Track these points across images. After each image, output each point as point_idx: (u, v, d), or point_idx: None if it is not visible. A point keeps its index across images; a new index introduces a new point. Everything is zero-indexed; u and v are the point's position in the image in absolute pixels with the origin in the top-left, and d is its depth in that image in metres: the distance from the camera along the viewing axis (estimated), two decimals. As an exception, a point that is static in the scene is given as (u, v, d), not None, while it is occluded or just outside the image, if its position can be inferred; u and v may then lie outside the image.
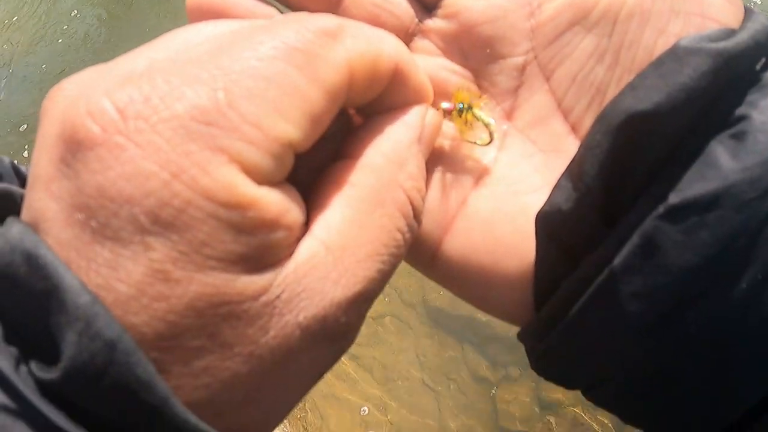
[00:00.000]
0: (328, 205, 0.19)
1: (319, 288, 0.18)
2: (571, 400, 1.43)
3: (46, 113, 0.17)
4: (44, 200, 0.16)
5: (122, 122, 0.16)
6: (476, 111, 0.23)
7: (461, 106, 0.23)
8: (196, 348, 0.16)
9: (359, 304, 0.19)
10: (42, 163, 0.17)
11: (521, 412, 1.46)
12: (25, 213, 0.17)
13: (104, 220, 0.16)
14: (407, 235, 0.20)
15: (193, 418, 0.16)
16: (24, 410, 0.15)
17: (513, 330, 0.24)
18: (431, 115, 0.23)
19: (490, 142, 0.23)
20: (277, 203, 0.17)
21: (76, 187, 0.16)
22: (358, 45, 0.20)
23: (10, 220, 0.17)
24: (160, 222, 0.16)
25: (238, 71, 0.17)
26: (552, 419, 1.43)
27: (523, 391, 1.47)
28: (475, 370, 1.51)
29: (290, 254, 0.18)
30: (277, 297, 0.17)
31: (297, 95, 0.18)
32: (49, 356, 0.15)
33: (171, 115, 0.16)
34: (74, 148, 0.16)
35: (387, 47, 0.21)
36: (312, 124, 0.18)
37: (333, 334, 0.18)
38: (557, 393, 1.44)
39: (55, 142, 0.17)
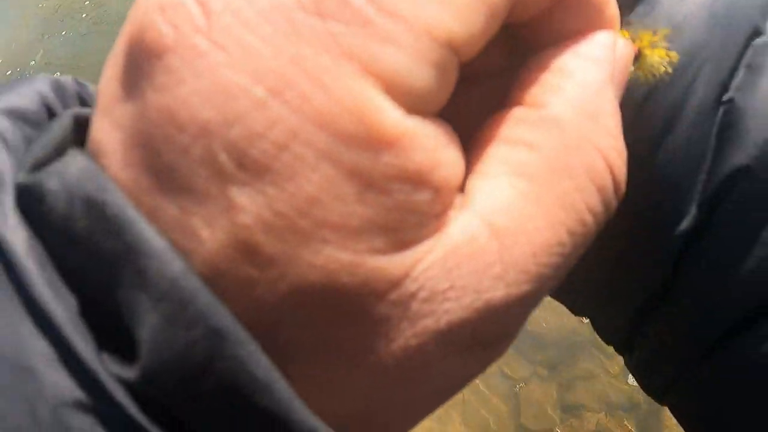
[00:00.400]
0: (494, 172, 0.14)
1: (474, 285, 0.13)
2: (595, 407, 1.42)
3: (130, 11, 0.13)
4: (104, 129, 0.12)
5: (203, 17, 0.11)
6: (658, 51, 0.19)
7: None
8: (291, 352, 0.12)
9: (525, 307, 0.14)
10: (105, 80, 0.13)
11: (543, 412, 1.44)
12: (89, 146, 0.13)
13: (171, 158, 0.11)
14: (600, 217, 0.15)
15: (323, 426, 0.11)
16: (112, 414, 0.10)
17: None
18: (622, 45, 0.17)
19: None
20: (429, 147, 0.12)
21: (138, 111, 0.12)
22: None
23: (71, 154, 0.12)
24: (250, 165, 0.11)
25: None
26: (574, 422, 1.42)
27: (548, 391, 1.46)
28: (501, 365, 1.50)
29: (436, 230, 0.13)
30: (413, 295, 0.12)
31: None
32: (120, 344, 0.11)
33: (271, 4, 0.11)
34: (141, 57, 0.12)
35: None
36: (484, 11, 0.13)
37: (484, 342, 0.14)
38: (582, 397, 1.42)
39: (123, 50, 0.12)
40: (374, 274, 0.12)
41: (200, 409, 0.11)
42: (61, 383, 0.10)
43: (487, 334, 0.13)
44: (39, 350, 0.10)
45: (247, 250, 0.11)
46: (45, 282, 0.11)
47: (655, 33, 0.19)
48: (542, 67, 0.16)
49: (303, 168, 0.11)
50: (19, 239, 0.11)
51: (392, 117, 0.12)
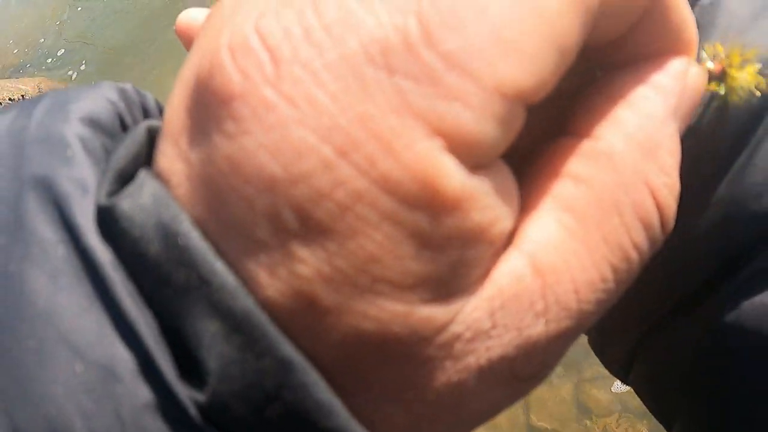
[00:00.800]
0: (541, 206, 0.14)
1: (516, 323, 0.13)
2: (609, 409, 1.40)
3: (200, 30, 0.13)
4: (172, 159, 0.12)
5: (272, 66, 0.11)
6: (749, 69, 0.18)
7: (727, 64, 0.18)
8: (343, 388, 0.12)
9: (562, 344, 0.14)
10: (173, 106, 0.13)
11: (557, 411, 1.43)
12: (156, 166, 0.13)
13: (235, 207, 0.11)
14: (645, 254, 0.14)
15: None
16: (187, 429, 0.11)
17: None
18: (694, 74, 0.16)
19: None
20: (488, 205, 0.12)
21: (205, 152, 0.12)
22: None
23: (143, 176, 0.12)
24: (313, 223, 0.11)
25: None
26: (587, 423, 1.40)
27: (561, 392, 1.44)
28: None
29: (485, 276, 0.13)
30: (458, 337, 0.12)
31: (530, 10, 0.12)
32: (188, 367, 0.11)
33: (341, 56, 0.11)
34: (209, 98, 0.12)
35: None
36: (555, 54, 0.12)
37: (523, 375, 0.14)
38: (596, 398, 1.41)
39: (191, 82, 0.12)
40: (423, 323, 0.12)
41: (268, 431, 0.11)
42: (143, 393, 0.11)
43: (525, 368, 0.13)
44: (124, 358, 0.11)
45: (304, 299, 0.11)
46: (129, 295, 0.11)
47: (743, 52, 0.17)
48: (605, 93, 0.15)
49: (365, 228, 0.11)
50: (104, 251, 0.12)
51: (455, 180, 0.11)
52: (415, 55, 0.11)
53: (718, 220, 0.20)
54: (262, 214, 0.11)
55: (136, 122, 0.15)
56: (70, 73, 2.52)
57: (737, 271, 0.20)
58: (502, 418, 1.43)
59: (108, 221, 0.12)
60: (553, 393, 1.45)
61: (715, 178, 0.20)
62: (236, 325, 0.11)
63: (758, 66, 0.18)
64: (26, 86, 2.24)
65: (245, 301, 0.11)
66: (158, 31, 2.46)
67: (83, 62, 2.54)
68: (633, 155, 0.14)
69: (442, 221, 0.11)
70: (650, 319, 0.22)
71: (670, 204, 0.15)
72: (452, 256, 0.12)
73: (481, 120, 0.11)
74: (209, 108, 0.12)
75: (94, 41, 2.55)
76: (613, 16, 0.14)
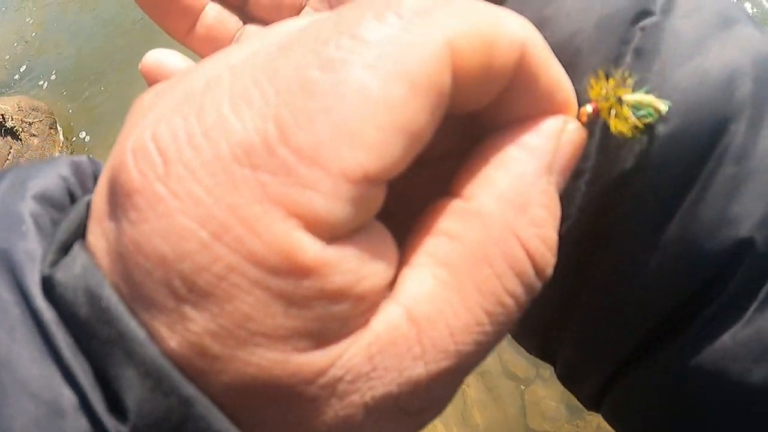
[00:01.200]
0: (419, 261, 0.16)
1: (395, 366, 0.15)
2: (600, 407, 1.41)
3: (116, 144, 0.15)
4: (96, 236, 0.15)
5: (163, 167, 0.14)
6: (630, 97, 0.18)
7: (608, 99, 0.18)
8: (238, 422, 0.14)
9: (446, 380, 0.15)
10: (98, 193, 0.15)
11: (549, 412, 1.44)
12: (87, 240, 0.15)
13: (139, 278, 0.14)
14: (522, 299, 0.16)
15: None
16: None
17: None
18: (570, 131, 0.17)
19: (652, 123, 0.19)
20: (348, 269, 0.14)
21: (116, 233, 0.14)
22: (464, 22, 0.15)
23: (77, 249, 0.15)
24: (197, 290, 0.13)
25: (293, 87, 0.14)
26: (580, 423, 1.41)
27: (553, 393, 1.45)
28: (506, 365, 1.49)
29: (362, 326, 0.15)
30: (339, 379, 0.14)
31: (373, 105, 0.14)
32: (114, 404, 0.14)
33: (214, 157, 0.13)
34: (118, 191, 0.14)
35: (507, 27, 0.16)
36: (401, 139, 0.14)
37: (411, 410, 0.15)
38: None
39: (108, 177, 0.15)
40: (301, 367, 0.14)
41: None
42: (82, 425, 0.13)
43: (412, 403, 0.15)
44: (67, 398, 0.13)
45: (197, 350, 0.14)
46: (68, 347, 0.14)
47: (618, 91, 0.18)
48: (480, 155, 0.17)
49: (239, 293, 0.13)
50: (48, 311, 0.14)
51: (311, 251, 0.13)
52: (273, 152, 0.13)
53: (670, 261, 0.20)
54: (160, 283, 0.13)
55: (86, 192, 0.17)
56: (41, 83, 2.47)
57: (695, 314, 0.20)
58: (498, 422, 1.43)
59: (49, 287, 0.14)
60: (544, 395, 1.45)
61: (665, 216, 0.20)
62: (147, 371, 0.13)
63: (641, 101, 0.18)
64: (6, 105, 2.19)
65: (152, 352, 0.13)
66: (128, 45, 2.41)
67: (53, 72, 2.49)
68: (503, 212, 0.16)
69: (302, 285, 0.14)
70: (614, 360, 0.22)
71: (543, 252, 0.16)
72: (319, 313, 0.14)
73: (330, 202, 0.13)
74: (118, 199, 0.14)
75: (63, 52, 2.51)
76: (472, 93, 0.16)
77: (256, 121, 0.13)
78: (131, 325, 0.14)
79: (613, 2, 0.21)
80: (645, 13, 0.21)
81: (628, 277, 0.21)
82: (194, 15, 0.30)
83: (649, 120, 0.18)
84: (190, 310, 0.13)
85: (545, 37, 0.17)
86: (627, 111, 0.18)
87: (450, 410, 1.45)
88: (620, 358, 0.22)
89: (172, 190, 0.13)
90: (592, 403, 0.24)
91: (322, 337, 0.14)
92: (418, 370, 0.15)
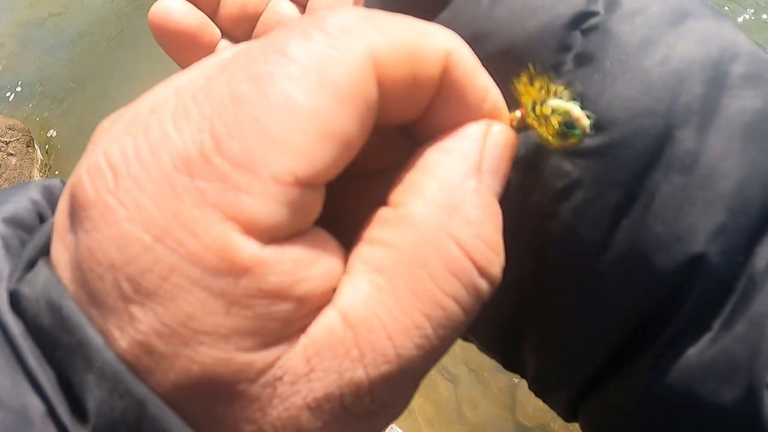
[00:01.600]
0: (357, 269, 0.16)
1: (334, 368, 0.15)
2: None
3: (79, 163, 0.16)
4: (59, 250, 0.16)
5: (113, 180, 0.15)
6: (554, 103, 0.18)
7: (535, 104, 0.18)
8: (193, 421, 0.15)
9: (392, 384, 0.16)
10: (59, 211, 0.16)
11: (540, 407, 1.44)
12: (51, 255, 0.16)
13: (93, 284, 0.15)
14: (466, 301, 0.16)
15: None
16: None
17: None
18: (496, 132, 0.17)
19: (584, 134, 0.18)
20: (285, 270, 0.15)
21: (74, 244, 0.15)
22: (387, 35, 0.16)
23: (41, 264, 0.16)
24: (143, 291, 0.14)
25: (225, 100, 0.15)
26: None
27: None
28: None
29: (302, 329, 0.15)
30: (278, 379, 0.15)
31: (298, 113, 0.15)
32: (75, 408, 0.15)
33: (157, 168, 0.15)
34: (74, 204, 0.15)
35: (431, 39, 0.16)
36: (330, 145, 0.15)
37: (359, 412, 0.16)
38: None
39: (68, 193, 0.16)
40: (244, 366, 0.15)
41: None
42: (49, 431, 0.14)
43: (358, 405, 0.15)
44: (34, 405, 0.14)
45: (145, 349, 0.14)
46: (34, 358, 0.15)
47: (545, 97, 0.18)
48: (409, 165, 0.17)
49: (180, 292, 0.14)
50: (16, 324, 0.15)
51: (247, 251, 0.14)
52: (209, 161, 0.14)
53: (621, 278, 0.20)
54: (111, 286, 0.14)
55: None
56: (15, 101, 2.45)
57: (657, 333, 0.20)
58: (491, 414, 1.43)
59: (16, 302, 0.15)
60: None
61: (609, 231, 0.20)
62: (103, 375, 0.14)
63: (561, 93, 0.18)
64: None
65: (108, 357, 0.14)
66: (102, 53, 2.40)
67: (18, 83, 2.47)
68: (433, 215, 0.16)
69: (240, 284, 0.14)
70: (580, 377, 0.22)
71: (483, 251, 0.16)
72: (257, 313, 0.14)
73: (262, 204, 0.14)
74: (76, 213, 0.15)
75: (38, 69, 2.48)
76: (401, 103, 0.17)
77: (193, 133, 0.14)
78: (89, 332, 0.14)
79: (547, 9, 0.21)
80: (586, 15, 0.20)
81: (576, 296, 0.21)
82: (209, 51, 0.31)
83: (574, 132, 0.18)
84: (138, 310, 0.14)
85: (478, 53, 0.18)
86: (553, 119, 0.18)
87: (438, 405, 1.45)
88: (585, 375, 0.22)
89: (121, 201, 0.14)
90: (567, 415, 0.24)
91: (263, 337, 0.15)
92: (359, 373, 0.15)
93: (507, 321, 0.23)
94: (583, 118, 0.17)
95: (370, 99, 0.15)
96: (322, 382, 0.15)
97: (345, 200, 0.18)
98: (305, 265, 0.15)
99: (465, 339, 0.26)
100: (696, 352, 0.19)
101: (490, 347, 0.26)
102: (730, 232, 0.19)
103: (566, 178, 0.20)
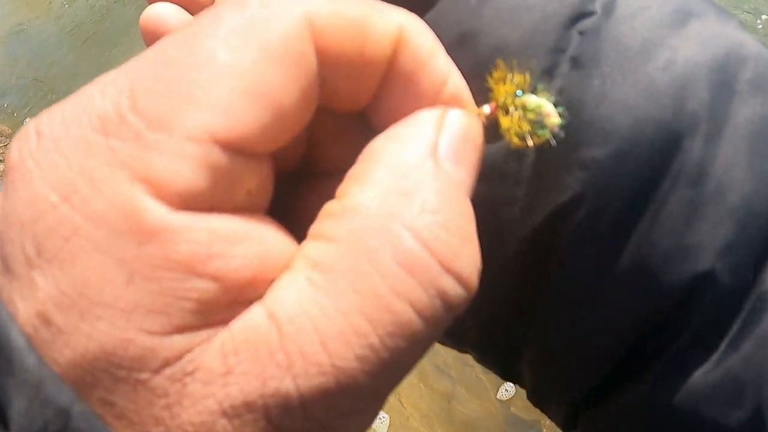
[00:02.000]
0: (295, 267, 0.14)
1: (255, 372, 0.13)
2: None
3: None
4: None
5: (36, 142, 0.14)
6: (526, 99, 0.16)
7: (508, 99, 0.17)
8: (102, 412, 0.13)
9: (330, 401, 0.13)
10: None
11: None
12: None
13: (4, 249, 0.14)
14: (424, 302, 0.14)
15: None
16: None
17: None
18: (453, 117, 0.16)
19: (552, 134, 0.17)
20: (197, 239, 0.13)
21: None
22: (331, 3, 0.15)
23: None
24: (45, 254, 0.13)
25: (150, 63, 0.14)
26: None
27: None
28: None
29: (225, 321, 0.14)
30: (189, 374, 0.13)
31: (219, 69, 0.14)
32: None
33: (76, 129, 0.14)
34: (4, 173, 0.15)
35: (382, 14, 0.15)
36: (257, 105, 0.14)
37: (289, 428, 0.14)
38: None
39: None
40: (145, 351, 0.13)
41: None
42: None
43: (286, 420, 0.13)
44: None
45: (44, 319, 0.13)
46: None
47: (514, 95, 0.16)
48: (359, 157, 0.16)
49: (81, 256, 0.13)
50: None
51: (154, 213, 0.13)
52: (124, 120, 0.14)
53: (625, 295, 0.19)
54: (17, 249, 0.14)
55: None
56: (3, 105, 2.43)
57: (659, 350, 0.19)
58: (485, 410, 1.45)
59: None
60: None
61: (614, 245, 0.19)
62: (25, 380, 0.13)
63: (537, 90, 0.16)
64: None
65: (30, 359, 0.13)
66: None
67: (13, 94, 2.45)
68: (381, 202, 0.14)
69: (144, 250, 0.13)
70: (579, 390, 0.22)
71: (447, 240, 0.14)
72: (165, 287, 0.13)
73: (171, 163, 0.13)
74: (3, 179, 0.14)
75: (22, 75, 2.46)
76: (347, 79, 0.15)
77: (113, 95, 0.14)
78: (13, 332, 0.13)
79: (542, 7, 0.20)
80: (583, 15, 0.19)
81: (578, 313, 0.20)
82: None
83: (542, 133, 0.16)
84: (38, 275, 0.13)
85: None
86: (525, 116, 0.16)
87: (432, 395, 1.47)
88: (585, 391, 0.21)
89: (38, 162, 0.14)
90: (566, 427, 0.23)
91: (171, 318, 0.13)
92: (286, 383, 0.13)
93: (506, 337, 0.22)
94: (553, 116, 0.16)
95: (306, 64, 0.14)
96: (241, 387, 0.13)
97: (312, 202, 0.16)
98: (225, 240, 0.14)
99: (461, 351, 0.26)
100: (702, 372, 0.18)
101: (486, 360, 0.25)
102: (738, 248, 0.18)
103: (567, 193, 0.19)
